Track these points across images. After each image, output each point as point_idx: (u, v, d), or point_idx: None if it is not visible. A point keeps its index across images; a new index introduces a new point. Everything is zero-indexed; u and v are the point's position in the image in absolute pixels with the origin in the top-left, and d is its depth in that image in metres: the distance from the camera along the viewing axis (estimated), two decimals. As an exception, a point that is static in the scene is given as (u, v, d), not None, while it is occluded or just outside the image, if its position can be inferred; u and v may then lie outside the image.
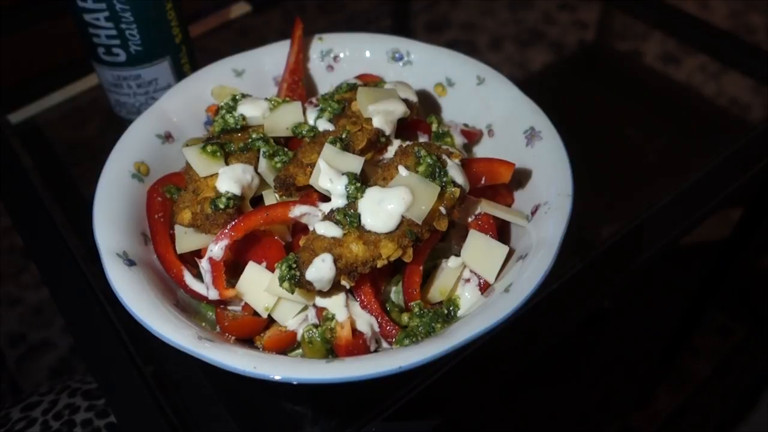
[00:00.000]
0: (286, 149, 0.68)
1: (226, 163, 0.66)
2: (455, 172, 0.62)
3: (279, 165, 0.66)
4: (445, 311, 0.62)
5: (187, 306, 0.64)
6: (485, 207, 0.66)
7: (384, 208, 0.59)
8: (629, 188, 0.97)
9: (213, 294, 0.61)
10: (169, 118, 0.76)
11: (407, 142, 0.68)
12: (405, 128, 0.72)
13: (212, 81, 0.79)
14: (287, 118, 0.69)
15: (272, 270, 0.61)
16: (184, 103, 0.77)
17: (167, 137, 0.75)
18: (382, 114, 0.67)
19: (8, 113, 1.04)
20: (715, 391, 1.71)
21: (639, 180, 0.99)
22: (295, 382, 0.51)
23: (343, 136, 0.66)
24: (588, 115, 1.08)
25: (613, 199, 0.94)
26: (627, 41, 1.53)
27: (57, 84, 1.06)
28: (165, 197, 0.68)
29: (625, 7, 1.43)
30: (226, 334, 0.62)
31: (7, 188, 0.92)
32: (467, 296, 0.63)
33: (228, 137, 0.69)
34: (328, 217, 0.61)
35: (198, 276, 0.64)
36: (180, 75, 0.87)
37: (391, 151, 0.68)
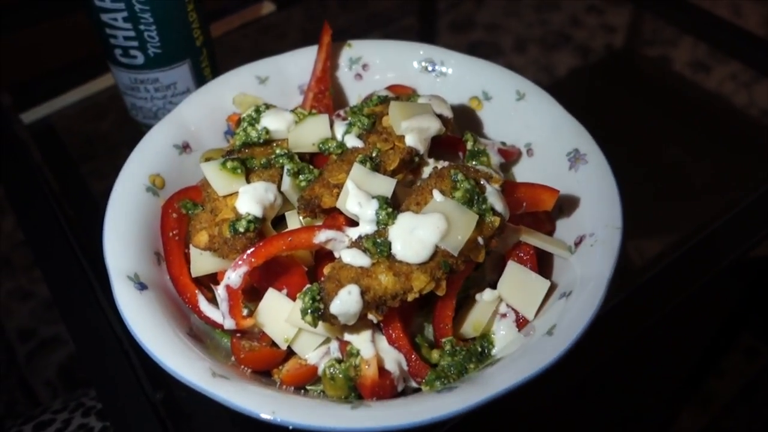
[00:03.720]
0: (311, 167, 0.63)
1: (248, 181, 0.61)
2: (495, 199, 0.57)
3: (304, 184, 0.61)
4: (479, 349, 0.58)
5: (201, 332, 0.60)
6: (525, 236, 0.61)
7: (417, 237, 0.54)
8: (667, 210, 0.92)
9: (229, 323, 0.56)
10: (187, 126, 0.71)
11: (442, 162, 0.63)
12: (438, 146, 0.67)
13: (234, 88, 0.75)
14: (313, 132, 0.64)
15: (293, 298, 0.57)
16: (204, 110, 0.73)
17: (185, 147, 0.70)
18: (416, 131, 0.63)
19: (22, 112, 1.01)
20: (740, 415, 1.65)
21: (679, 201, 0.94)
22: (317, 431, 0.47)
23: (374, 154, 0.61)
24: (615, 124, 1.02)
25: (651, 223, 0.89)
26: (656, 46, 1.47)
27: (73, 82, 1.03)
28: (180, 213, 0.64)
29: (654, 10, 1.37)
30: (242, 367, 0.57)
31: (16, 189, 0.89)
32: (503, 333, 0.58)
33: (250, 152, 0.64)
34: (356, 244, 0.56)
35: (213, 300, 0.60)
36: (200, 79, 0.83)
37: (425, 172, 0.63)
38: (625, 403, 1.44)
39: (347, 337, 0.56)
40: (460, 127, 0.74)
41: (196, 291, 0.60)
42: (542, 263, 0.62)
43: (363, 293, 0.53)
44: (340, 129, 0.65)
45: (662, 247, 0.83)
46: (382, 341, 0.56)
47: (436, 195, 0.57)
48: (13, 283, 1.82)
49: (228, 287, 0.55)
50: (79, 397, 0.83)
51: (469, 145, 0.69)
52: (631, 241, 0.77)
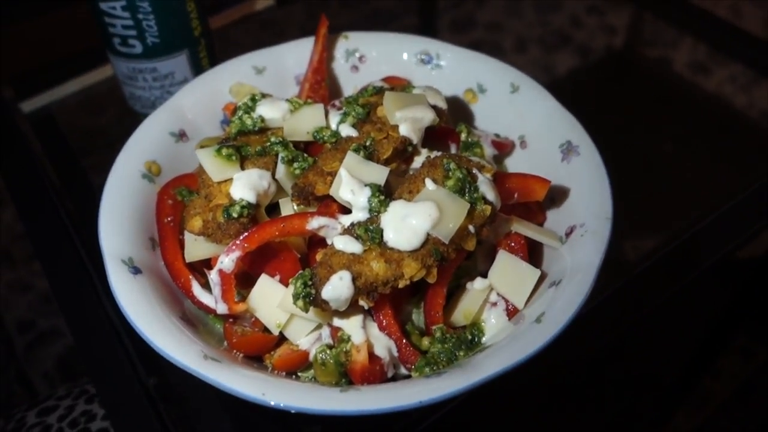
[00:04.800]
0: (305, 155, 0.64)
1: (242, 168, 0.61)
2: (486, 188, 0.57)
3: (298, 172, 0.62)
4: (469, 337, 0.58)
5: (194, 317, 0.61)
6: (516, 226, 0.61)
7: (408, 225, 0.55)
8: (660, 206, 0.92)
9: (222, 308, 0.57)
10: (184, 115, 0.72)
11: (435, 153, 0.64)
12: (432, 137, 0.67)
13: (231, 77, 0.75)
14: (308, 121, 0.65)
15: (286, 284, 0.57)
16: (201, 99, 0.73)
17: (181, 135, 0.71)
18: (410, 121, 0.63)
19: (22, 101, 1.01)
20: (735, 415, 1.65)
21: (670, 198, 0.94)
22: (306, 413, 0.48)
23: (367, 143, 0.62)
24: (614, 124, 1.02)
25: (643, 218, 0.89)
26: (656, 48, 1.47)
27: (72, 73, 1.03)
28: (176, 200, 0.64)
29: (655, 11, 1.37)
30: (234, 351, 0.58)
31: (17, 181, 0.89)
32: (493, 322, 0.59)
33: (245, 139, 0.65)
34: (348, 231, 0.56)
35: (207, 286, 0.61)
36: (198, 69, 0.83)
37: (417, 162, 0.64)
38: (619, 401, 1.45)
39: (338, 323, 0.57)
40: (455, 119, 0.74)
41: (190, 276, 0.61)
42: (533, 253, 0.62)
43: (354, 279, 0.53)
44: (334, 118, 0.66)
45: (654, 243, 0.83)
46: (373, 327, 0.57)
47: (428, 183, 0.57)
48: (13, 275, 1.82)
49: (221, 272, 0.56)
50: (82, 385, 0.84)
51: (463, 136, 0.69)
52: (622, 236, 0.77)
